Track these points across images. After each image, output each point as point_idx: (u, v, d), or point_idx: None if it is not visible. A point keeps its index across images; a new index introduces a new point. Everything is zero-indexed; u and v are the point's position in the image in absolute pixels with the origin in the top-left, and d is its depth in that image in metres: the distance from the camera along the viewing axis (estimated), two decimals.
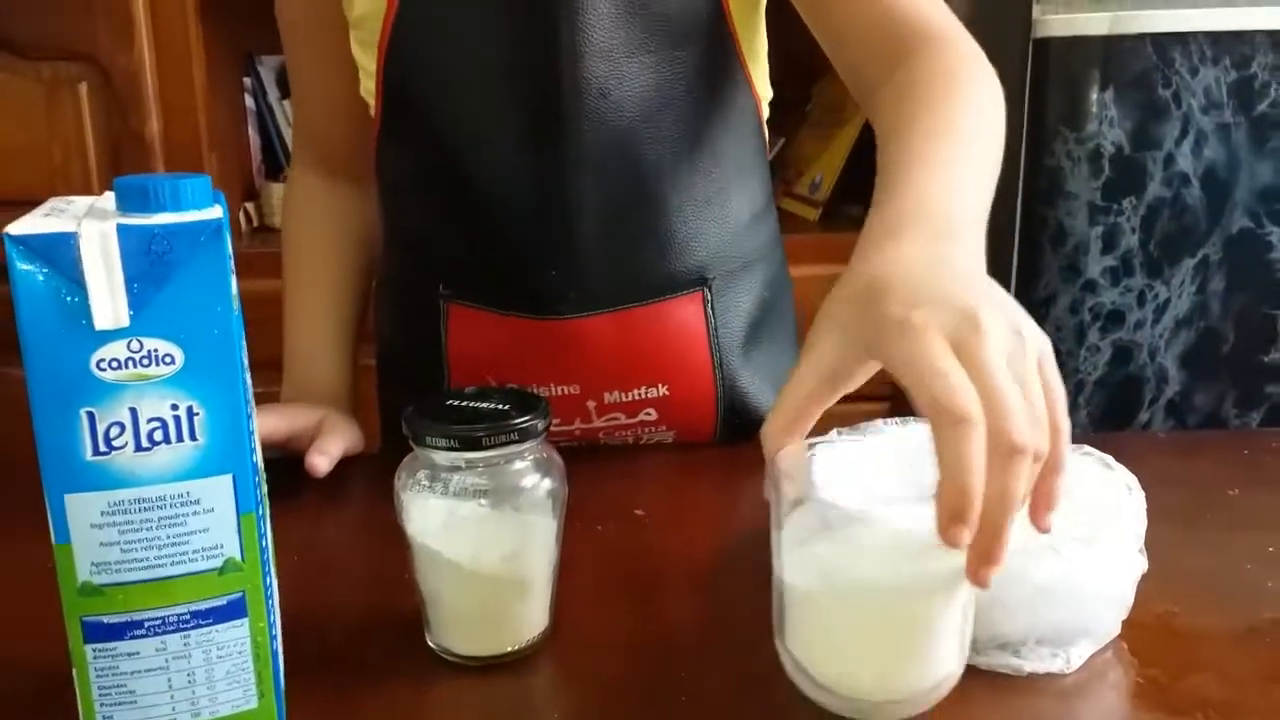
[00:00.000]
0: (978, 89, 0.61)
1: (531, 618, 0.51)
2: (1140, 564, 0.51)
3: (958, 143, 0.55)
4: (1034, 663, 0.49)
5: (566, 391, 0.74)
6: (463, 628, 0.50)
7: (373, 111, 0.74)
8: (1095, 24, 1.37)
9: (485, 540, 0.49)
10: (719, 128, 0.74)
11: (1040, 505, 0.42)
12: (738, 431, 0.79)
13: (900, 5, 0.65)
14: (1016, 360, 0.41)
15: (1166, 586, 0.54)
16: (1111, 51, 1.37)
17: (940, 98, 0.59)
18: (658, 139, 0.70)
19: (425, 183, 0.74)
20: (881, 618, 0.43)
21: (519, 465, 0.49)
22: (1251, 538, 0.61)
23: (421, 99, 0.71)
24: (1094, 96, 1.38)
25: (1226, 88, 1.37)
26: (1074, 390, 1.47)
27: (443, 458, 0.48)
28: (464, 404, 0.50)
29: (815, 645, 0.45)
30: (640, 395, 0.75)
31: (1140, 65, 1.36)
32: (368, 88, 0.74)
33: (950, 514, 0.38)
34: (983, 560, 0.39)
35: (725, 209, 0.75)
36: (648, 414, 0.76)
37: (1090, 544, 0.48)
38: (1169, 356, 1.45)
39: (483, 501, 0.48)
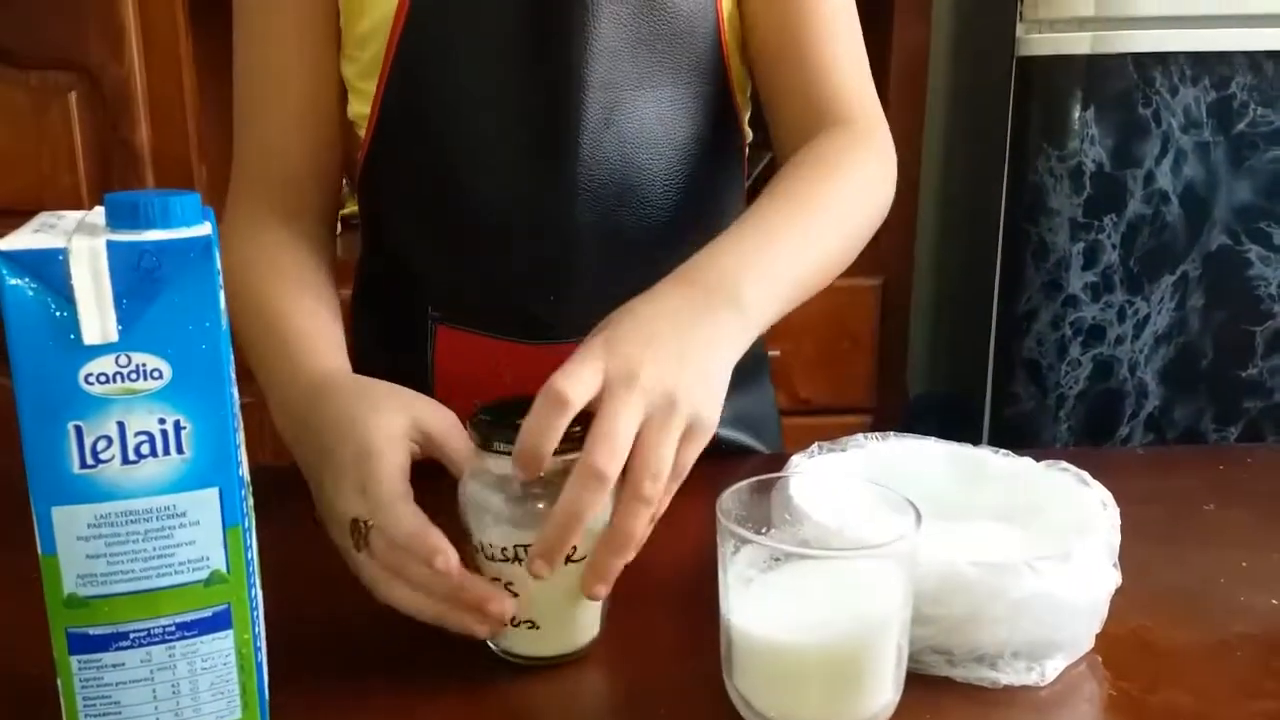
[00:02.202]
0: (854, 179, 0.67)
1: (594, 620, 0.52)
2: (1114, 578, 0.52)
3: (801, 219, 0.62)
4: (1010, 675, 0.49)
5: None
6: (533, 631, 0.51)
7: (363, 131, 0.74)
8: (1077, 43, 1.39)
9: (497, 536, 0.49)
10: (713, 164, 0.75)
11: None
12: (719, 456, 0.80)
13: (825, 79, 0.71)
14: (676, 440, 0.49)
15: (1140, 601, 0.55)
16: (1093, 70, 1.39)
17: (813, 177, 0.65)
18: (655, 170, 0.71)
19: (418, 204, 0.74)
20: (820, 659, 0.45)
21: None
22: (1225, 553, 0.62)
23: (421, 120, 0.71)
24: (1076, 114, 1.40)
25: (1206, 107, 1.39)
26: (1055, 405, 1.48)
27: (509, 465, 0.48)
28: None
29: (759, 683, 0.46)
30: None
31: (1121, 84, 1.38)
32: (357, 110, 0.74)
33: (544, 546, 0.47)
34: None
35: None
36: None
37: (1065, 559, 0.49)
38: (1149, 371, 1.47)
39: (542, 505, 0.49)
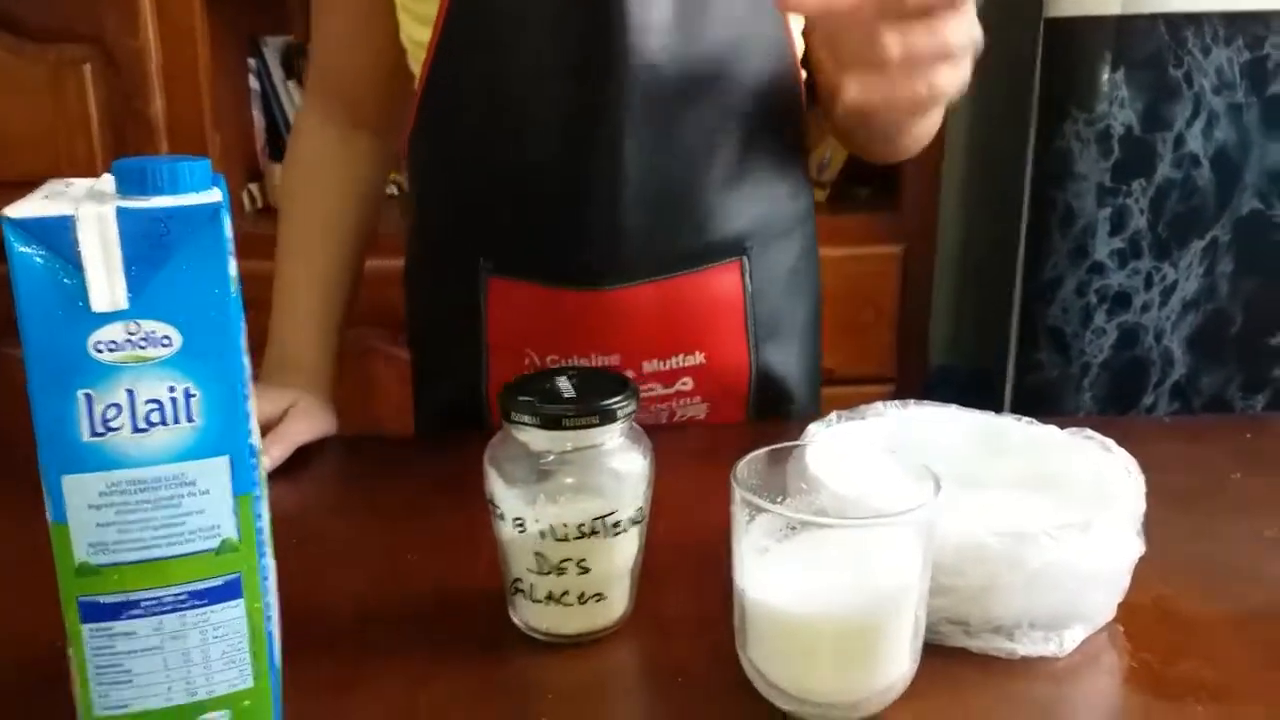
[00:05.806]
0: None
1: (632, 592, 0.53)
2: (1137, 547, 0.51)
3: None
4: (1027, 646, 0.49)
5: (606, 362, 0.75)
6: (599, 604, 0.51)
7: (418, 64, 0.74)
8: (1107, 3, 1.36)
9: (573, 514, 0.49)
10: (766, 105, 0.74)
11: None
12: (768, 407, 0.80)
13: None
14: None
15: (1162, 570, 0.54)
16: (1123, 31, 1.36)
17: None
18: (706, 114, 0.71)
19: (469, 156, 0.74)
20: (836, 630, 0.44)
21: (609, 446, 0.49)
22: (1250, 523, 0.61)
23: (473, 73, 0.71)
24: (1105, 76, 1.37)
25: (1239, 68, 1.36)
26: (1079, 373, 1.46)
27: (534, 438, 0.48)
28: (549, 385, 0.50)
29: (773, 654, 0.45)
30: (678, 363, 0.76)
31: (1152, 45, 1.35)
32: (412, 34, 0.74)
33: None
34: None
35: (767, 184, 0.76)
36: (684, 383, 0.76)
37: (1086, 529, 0.48)
38: (1175, 339, 1.45)
39: (570, 479, 0.49)
